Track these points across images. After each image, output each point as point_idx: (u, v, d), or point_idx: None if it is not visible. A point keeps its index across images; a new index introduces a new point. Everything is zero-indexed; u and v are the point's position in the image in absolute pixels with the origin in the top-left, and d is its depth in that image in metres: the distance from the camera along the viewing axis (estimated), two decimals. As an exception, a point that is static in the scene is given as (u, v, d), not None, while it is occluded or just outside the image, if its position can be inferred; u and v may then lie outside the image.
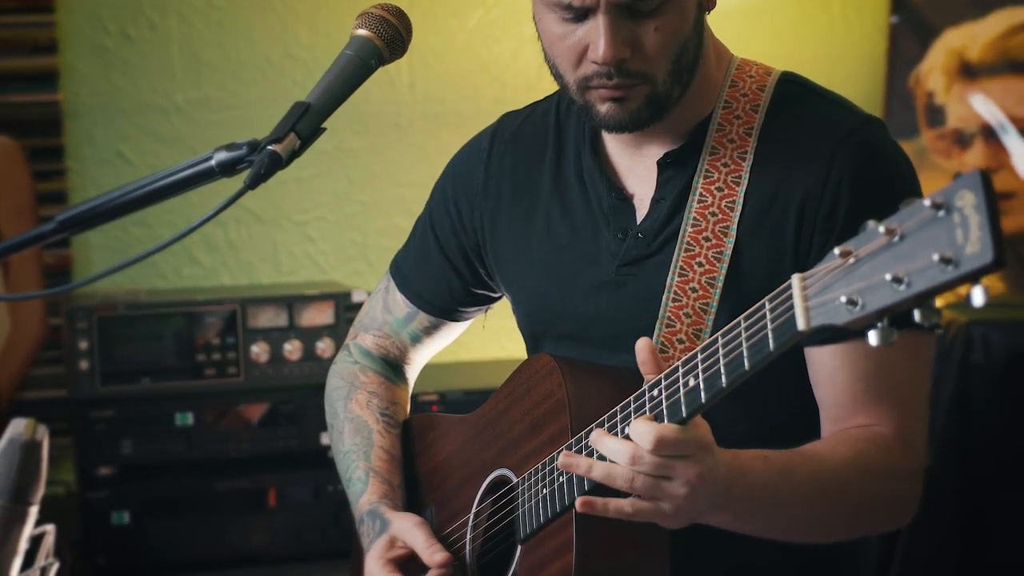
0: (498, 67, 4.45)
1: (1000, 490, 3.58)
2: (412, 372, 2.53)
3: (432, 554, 2.13)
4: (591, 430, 1.87)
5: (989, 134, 4.56)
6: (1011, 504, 3.58)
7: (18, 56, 4.23)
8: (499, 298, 2.41)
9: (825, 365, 2.01)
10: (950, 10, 4.62)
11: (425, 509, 2.32)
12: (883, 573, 3.56)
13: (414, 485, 2.38)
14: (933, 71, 4.62)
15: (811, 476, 1.91)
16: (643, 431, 1.73)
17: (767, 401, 2.03)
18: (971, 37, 4.60)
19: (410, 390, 2.52)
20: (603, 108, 2.02)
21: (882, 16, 4.71)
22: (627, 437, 1.77)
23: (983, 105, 4.57)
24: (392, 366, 2.50)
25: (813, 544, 2.08)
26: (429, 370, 3.97)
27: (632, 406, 1.82)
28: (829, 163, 2.01)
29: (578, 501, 1.80)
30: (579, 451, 1.89)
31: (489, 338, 4.34)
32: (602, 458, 1.80)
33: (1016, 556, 3.58)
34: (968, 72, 4.60)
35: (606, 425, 1.85)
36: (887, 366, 1.99)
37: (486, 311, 2.46)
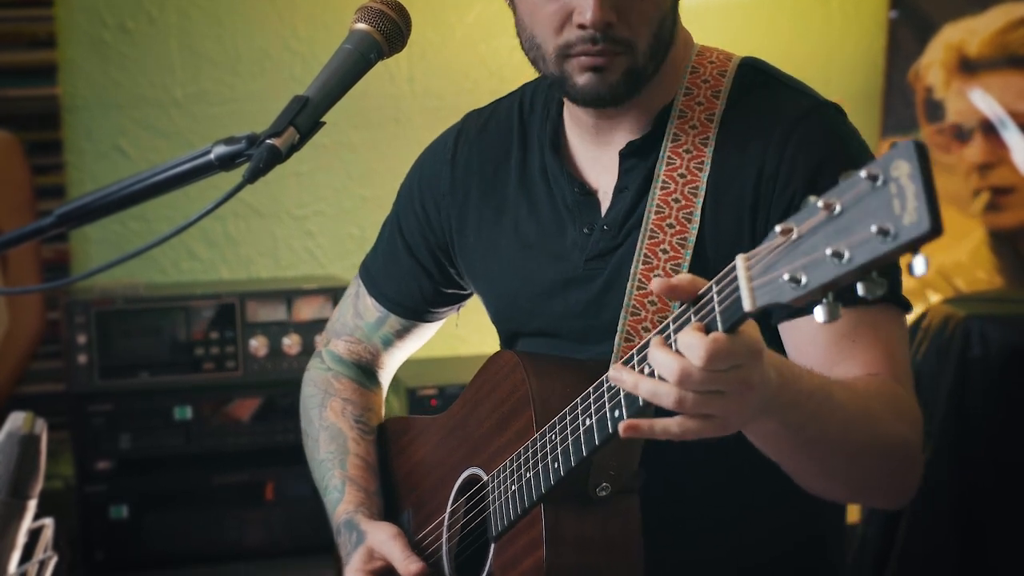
0: (496, 61, 4.45)
1: (998, 485, 3.58)
2: (385, 376, 2.51)
3: (408, 565, 2.12)
4: (555, 424, 1.87)
5: (988, 129, 4.56)
6: (1009, 499, 3.58)
7: (16, 50, 4.22)
8: (469, 295, 2.41)
9: (802, 331, 1.97)
10: (949, 5, 4.62)
11: (402, 513, 2.31)
12: (881, 570, 3.56)
13: (391, 489, 2.37)
14: (932, 66, 4.62)
15: (847, 400, 1.83)
16: (693, 343, 1.59)
17: None
18: (970, 32, 4.60)
19: (384, 394, 2.51)
20: (582, 79, 2.01)
21: (881, 11, 4.71)
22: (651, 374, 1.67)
23: (982, 100, 4.57)
24: (365, 371, 2.48)
25: (805, 542, 2.08)
26: (428, 364, 3.99)
27: (592, 397, 1.80)
28: (783, 145, 2.00)
29: (622, 425, 1.68)
30: (543, 445, 1.89)
31: (487, 332, 4.33)
32: (579, 448, 1.78)
33: (1015, 552, 3.57)
34: (967, 67, 4.60)
35: (568, 418, 1.84)
36: (866, 323, 1.96)
37: (458, 309, 2.46)
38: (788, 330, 2.00)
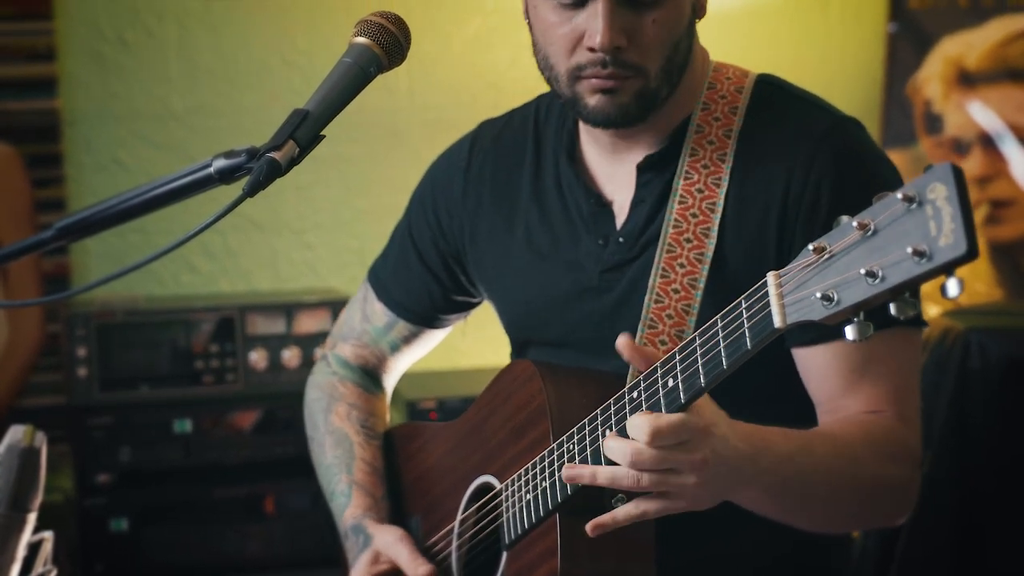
0: (495, 75, 4.46)
1: (997, 495, 3.58)
2: (390, 381, 2.52)
3: (416, 567, 2.13)
4: (573, 434, 1.88)
5: (987, 142, 4.57)
6: (1008, 509, 3.58)
7: (16, 63, 4.23)
8: (479, 303, 2.42)
9: (816, 361, 2.02)
10: (948, 18, 4.62)
11: (411, 519, 2.31)
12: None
13: (398, 495, 2.37)
14: (931, 79, 4.62)
15: (830, 453, 1.91)
16: (639, 424, 1.71)
17: (769, 403, 2.03)
18: (969, 45, 4.60)
19: (388, 399, 2.52)
20: (592, 100, 2.02)
21: (880, 24, 4.72)
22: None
23: (981, 113, 4.58)
24: (370, 376, 2.49)
25: (808, 544, 2.09)
26: (427, 377, 3.99)
27: (612, 408, 1.81)
28: (808, 164, 2.01)
29: (588, 526, 1.79)
30: (560, 455, 1.90)
31: (486, 345, 4.34)
32: (598, 460, 1.80)
33: (1013, 561, 3.58)
34: (966, 80, 4.60)
35: (587, 428, 1.85)
36: (878, 356, 2.00)
37: (465, 317, 2.46)
38: (800, 357, 2.04)
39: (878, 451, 1.95)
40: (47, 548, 1.89)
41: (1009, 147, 4.55)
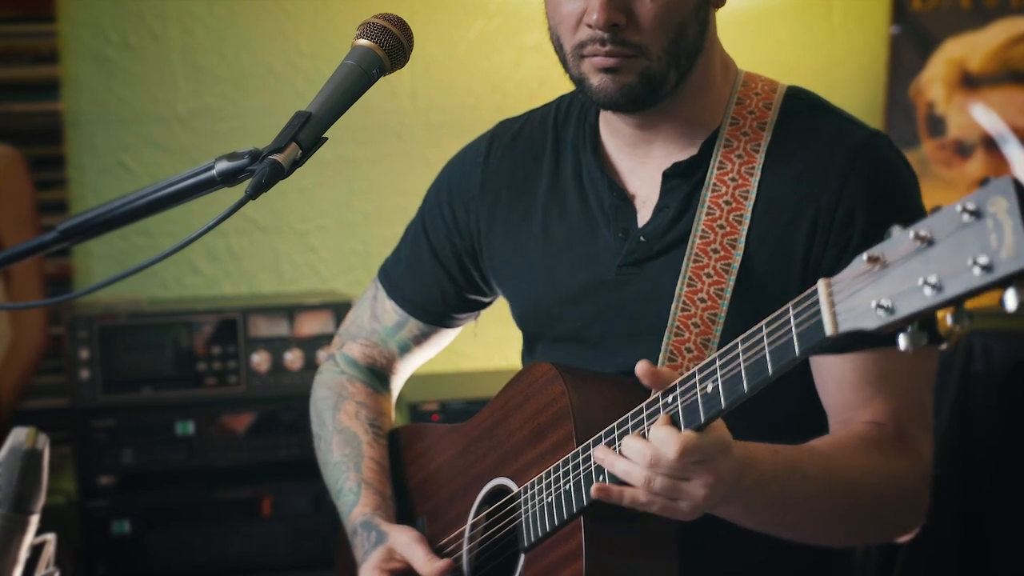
0: (499, 77, 4.45)
1: (999, 497, 3.58)
2: (397, 382, 2.52)
3: (431, 566, 2.12)
4: (600, 438, 1.88)
5: (990, 144, 4.56)
6: (1010, 511, 3.58)
7: (19, 66, 4.23)
8: (490, 303, 2.41)
9: (833, 371, 2.02)
10: (951, 20, 4.62)
11: (416, 519, 2.31)
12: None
13: (403, 496, 2.37)
14: (934, 81, 4.62)
15: (820, 473, 1.92)
16: (665, 438, 1.73)
17: (772, 408, 2.03)
18: (971, 47, 4.60)
19: (394, 400, 2.52)
20: (596, 80, 2.03)
21: (883, 26, 4.72)
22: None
23: (984, 115, 4.58)
24: (378, 376, 2.49)
25: (818, 546, 2.09)
26: (430, 379, 3.99)
27: (645, 412, 1.82)
28: (844, 177, 2.01)
29: (594, 488, 1.81)
30: (586, 459, 1.90)
31: (490, 347, 4.35)
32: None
33: (1015, 563, 3.58)
34: (969, 82, 4.60)
35: (616, 432, 1.85)
36: (896, 371, 2.01)
37: (476, 318, 2.46)
38: (819, 365, 2.05)
39: (879, 470, 1.96)
40: (49, 550, 1.89)
41: (1012, 149, 4.55)
